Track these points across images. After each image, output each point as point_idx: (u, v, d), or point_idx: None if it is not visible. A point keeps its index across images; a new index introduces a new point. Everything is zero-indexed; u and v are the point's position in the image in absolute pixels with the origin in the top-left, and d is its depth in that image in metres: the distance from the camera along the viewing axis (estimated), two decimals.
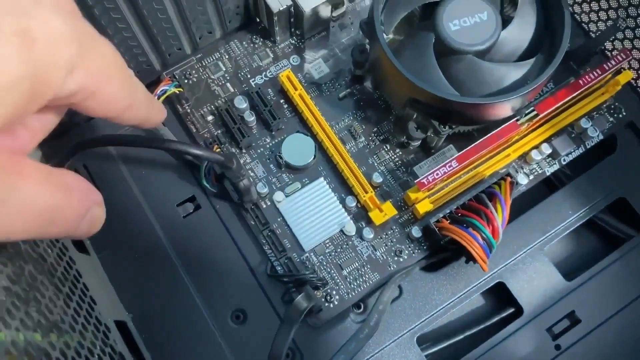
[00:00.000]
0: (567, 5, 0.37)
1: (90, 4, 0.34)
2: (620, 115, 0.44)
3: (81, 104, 0.20)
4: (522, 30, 0.38)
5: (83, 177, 0.24)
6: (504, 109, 0.38)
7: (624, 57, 0.40)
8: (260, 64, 0.45)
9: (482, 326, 0.42)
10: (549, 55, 0.38)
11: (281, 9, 0.41)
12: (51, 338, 0.27)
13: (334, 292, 0.40)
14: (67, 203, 0.21)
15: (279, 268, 0.40)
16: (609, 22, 0.44)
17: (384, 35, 0.40)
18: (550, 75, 0.37)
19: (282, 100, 0.44)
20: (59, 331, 0.27)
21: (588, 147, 0.43)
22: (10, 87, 0.16)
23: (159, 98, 0.41)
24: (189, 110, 0.43)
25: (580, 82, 0.40)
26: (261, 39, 0.45)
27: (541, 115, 0.39)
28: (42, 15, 0.17)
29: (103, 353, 0.31)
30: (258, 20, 0.45)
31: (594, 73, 0.40)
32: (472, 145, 0.38)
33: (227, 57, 0.45)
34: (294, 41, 0.46)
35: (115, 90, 0.22)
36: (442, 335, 0.42)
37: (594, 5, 0.44)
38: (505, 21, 0.39)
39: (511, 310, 0.41)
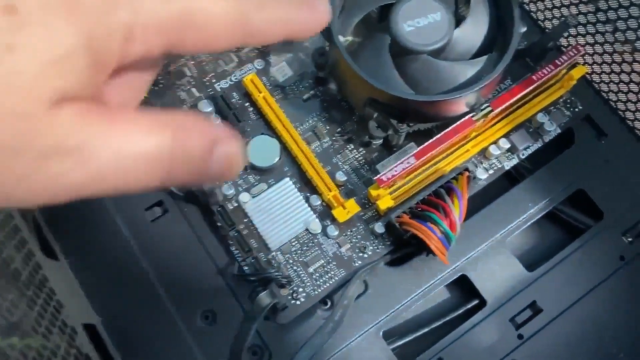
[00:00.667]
0: (516, 3, 0.39)
1: None
2: (577, 109, 0.45)
3: (173, 52, 0.18)
4: (475, 29, 0.40)
5: None
6: (458, 105, 0.39)
7: (576, 52, 0.41)
8: (225, 68, 0.46)
9: (446, 318, 0.42)
10: (502, 53, 0.39)
11: None
12: (12, 340, 0.27)
13: (301, 290, 0.40)
14: (180, 143, 0.18)
15: (246, 268, 0.41)
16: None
17: (342, 37, 0.41)
18: (502, 71, 0.38)
19: (247, 104, 0.45)
20: (20, 333, 0.28)
21: (546, 141, 0.44)
22: (64, 59, 0.15)
23: None
24: None
25: (534, 77, 0.41)
26: None
27: (496, 111, 0.40)
28: None
29: (68, 354, 0.32)
30: None
31: (547, 69, 0.41)
32: (429, 141, 0.39)
33: (192, 62, 0.46)
34: (257, 45, 0.47)
35: (205, 24, 0.18)
36: (408, 328, 0.42)
37: (548, 3, 0.46)
38: (460, 20, 0.40)
39: (475, 302, 0.43)
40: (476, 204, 0.44)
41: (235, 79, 0.45)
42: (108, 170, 0.16)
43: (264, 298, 0.36)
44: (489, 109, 0.40)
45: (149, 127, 0.18)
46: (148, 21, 0.17)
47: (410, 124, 0.40)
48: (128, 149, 0.17)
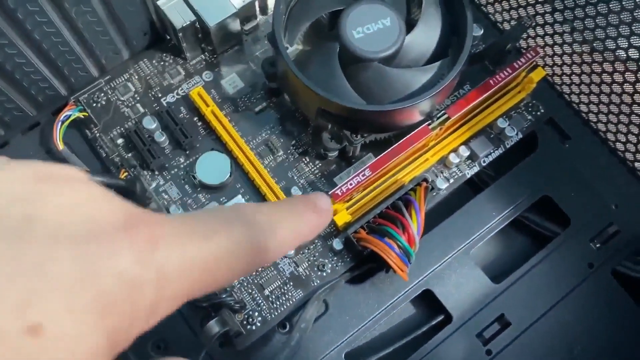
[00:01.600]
0: (469, 7, 0.37)
1: None
2: (539, 113, 0.44)
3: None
4: (427, 34, 0.38)
5: None
6: (411, 114, 0.37)
7: (534, 54, 0.40)
8: (172, 82, 0.44)
9: (411, 336, 0.41)
10: (456, 58, 0.37)
11: (185, 24, 0.40)
12: None
13: (256, 314, 0.38)
14: None
15: None
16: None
17: (290, 46, 0.39)
18: (456, 77, 0.36)
19: (195, 118, 0.43)
20: None
21: (507, 147, 0.43)
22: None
23: (62, 124, 0.40)
24: (97, 135, 0.42)
25: (491, 82, 0.39)
26: (172, 57, 0.44)
27: (453, 118, 0.39)
28: (110, 267, 0.15)
29: None
30: (168, 37, 0.44)
31: (505, 72, 0.40)
32: (384, 153, 0.37)
33: (136, 77, 0.44)
34: (206, 57, 0.44)
35: (228, 275, 0.19)
36: (371, 349, 0.41)
37: (505, 5, 0.44)
38: (413, 26, 0.39)
39: (440, 317, 0.41)
40: (439, 215, 0.42)
41: (183, 92, 0.43)
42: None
43: (213, 326, 0.34)
44: (446, 116, 0.38)
45: None
46: (174, 293, 0.17)
47: (364, 135, 0.39)
48: None
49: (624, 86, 0.39)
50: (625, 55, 0.38)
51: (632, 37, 0.36)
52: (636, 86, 0.38)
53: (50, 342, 0.13)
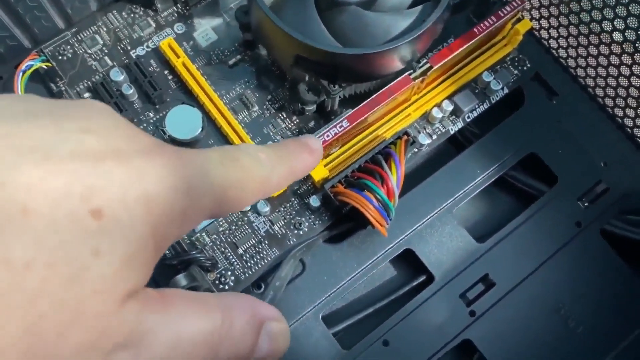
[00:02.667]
0: None
1: None
2: (525, 68, 0.42)
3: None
4: None
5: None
6: (391, 60, 0.35)
7: (520, 3, 0.38)
8: (142, 34, 0.41)
9: (391, 297, 0.39)
10: (438, 3, 0.36)
11: None
12: None
13: (229, 273, 0.37)
14: (228, 324, 0.20)
15: (167, 252, 0.37)
16: None
17: None
18: (437, 22, 0.35)
19: (166, 72, 0.41)
20: None
21: (493, 102, 0.41)
22: (135, 256, 0.17)
23: (23, 74, 0.38)
24: (63, 89, 0.40)
25: (475, 30, 0.38)
26: (142, 8, 0.42)
27: (435, 68, 0.37)
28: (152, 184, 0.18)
29: None
30: None
31: (490, 20, 0.38)
32: (364, 103, 0.36)
33: (105, 29, 0.41)
34: (178, 9, 0.42)
35: (243, 195, 0.23)
36: (350, 310, 0.39)
37: None
38: None
39: (422, 278, 0.39)
40: (421, 173, 0.41)
41: (153, 45, 0.41)
42: (163, 353, 0.18)
43: (180, 280, 0.32)
44: (428, 65, 0.37)
45: (199, 310, 0.20)
46: (201, 205, 0.20)
47: (343, 85, 0.37)
48: (182, 332, 0.18)
49: (614, 35, 0.37)
50: (613, 2, 0.36)
51: None
52: (626, 35, 0.36)
53: (109, 224, 0.16)
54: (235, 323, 0.20)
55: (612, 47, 0.38)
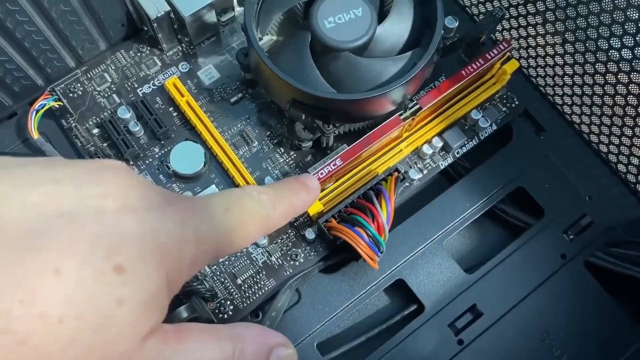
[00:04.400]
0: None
1: None
2: (514, 105, 0.44)
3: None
4: (399, 25, 0.38)
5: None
6: (382, 103, 0.37)
7: (506, 46, 0.40)
8: (148, 72, 0.44)
9: (384, 326, 0.41)
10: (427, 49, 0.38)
11: (159, 15, 0.40)
12: None
13: (228, 303, 0.39)
14: (240, 353, 0.23)
15: None
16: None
17: (262, 36, 0.39)
18: (426, 67, 0.37)
19: (171, 109, 0.43)
20: None
21: (482, 138, 0.43)
22: (154, 299, 0.19)
23: (37, 113, 0.40)
24: (73, 125, 0.42)
25: (463, 72, 0.40)
26: (148, 48, 0.44)
27: (425, 109, 0.39)
28: (163, 225, 0.21)
29: None
30: (145, 28, 0.44)
31: (477, 63, 0.40)
32: (356, 142, 0.38)
33: (113, 68, 0.44)
34: (182, 48, 0.45)
35: (247, 237, 0.26)
36: (344, 338, 0.41)
37: None
38: (386, 16, 0.39)
39: (413, 307, 0.41)
40: (413, 206, 0.42)
41: (159, 83, 0.44)
42: None
43: (181, 312, 0.34)
44: (418, 106, 0.39)
45: (212, 341, 0.22)
46: (208, 249, 0.23)
47: (337, 125, 0.39)
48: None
49: (595, 77, 0.39)
50: (594, 46, 0.38)
51: (601, 27, 0.36)
52: (607, 77, 0.38)
53: (130, 277, 0.18)
54: (246, 351, 0.23)
55: (594, 88, 0.40)
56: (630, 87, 0.37)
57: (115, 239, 0.18)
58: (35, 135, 0.40)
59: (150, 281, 0.19)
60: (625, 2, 0.34)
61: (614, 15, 0.35)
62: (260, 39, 0.39)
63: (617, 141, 0.41)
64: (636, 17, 0.34)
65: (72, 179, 0.19)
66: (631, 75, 0.36)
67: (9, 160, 0.20)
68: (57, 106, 0.41)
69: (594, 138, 0.43)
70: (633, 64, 0.36)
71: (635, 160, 0.41)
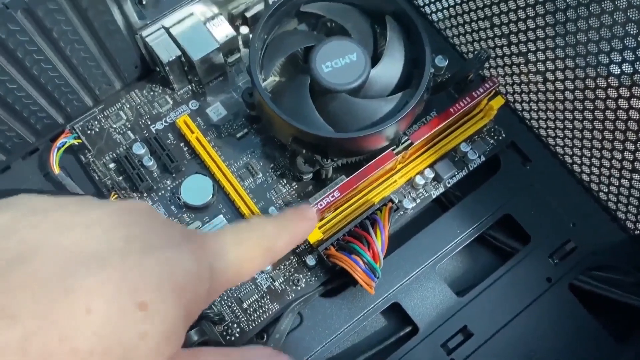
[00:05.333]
0: (427, 44, 0.40)
1: None
2: (501, 137, 0.47)
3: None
4: (391, 67, 0.41)
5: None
6: (376, 140, 0.40)
7: (492, 84, 0.43)
8: (160, 110, 0.47)
9: (381, 346, 0.43)
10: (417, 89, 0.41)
11: (171, 59, 0.44)
12: None
13: (235, 325, 0.41)
14: None
15: None
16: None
17: (266, 78, 0.43)
18: (416, 106, 0.40)
19: (182, 144, 0.46)
20: None
21: (471, 169, 0.46)
22: (173, 332, 0.22)
23: (58, 150, 0.43)
24: (91, 160, 0.45)
25: (452, 110, 0.43)
26: (161, 87, 0.48)
27: (416, 143, 0.42)
28: (180, 264, 0.23)
29: None
30: (157, 69, 0.48)
31: (465, 101, 0.43)
32: (352, 175, 0.41)
33: (128, 106, 0.47)
34: (192, 87, 0.48)
35: (250, 272, 0.28)
36: (344, 358, 0.43)
37: (469, 37, 0.48)
38: (379, 58, 0.42)
39: (408, 329, 0.44)
40: (407, 233, 0.45)
41: (170, 120, 0.47)
42: None
43: (192, 335, 0.37)
44: (409, 141, 0.42)
45: None
46: (221, 282, 0.25)
47: (335, 159, 0.42)
48: None
49: (575, 113, 0.42)
50: (572, 85, 0.41)
51: (577, 70, 0.39)
52: (585, 113, 0.41)
53: (151, 312, 0.20)
54: None
55: (574, 122, 0.43)
56: (605, 123, 0.40)
57: (138, 278, 0.21)
58: (56, 170, 0.44)
59: (170, 316, 0.21)
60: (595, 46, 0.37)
61: (587, 59, 0.38)
62: (264, 80, 0.43)
63: (597, 171, 0.44)
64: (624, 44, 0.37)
65: (100, 222, 0.22)
66: (606, 112, 0.39)
67: (46, 202, 0.22)
68: (77, 143, 0.45)
69: (576, 168, 0.46)
70: (607, 102, 0.39)
71: (614, 189, 0.43)
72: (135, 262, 0.21)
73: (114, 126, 0.47)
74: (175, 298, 0.22)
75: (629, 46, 0.35)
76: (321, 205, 0.40)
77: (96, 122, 0.47)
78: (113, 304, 0.20)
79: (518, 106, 0.48)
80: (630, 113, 0.38)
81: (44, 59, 0.39)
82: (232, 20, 0.48)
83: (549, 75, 0.42)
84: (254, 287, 0.42)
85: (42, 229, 0.21)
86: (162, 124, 0.47)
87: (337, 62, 0.40)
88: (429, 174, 0.45)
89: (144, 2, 0.42)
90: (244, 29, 0.47)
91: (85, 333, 0.19)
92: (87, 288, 0.19)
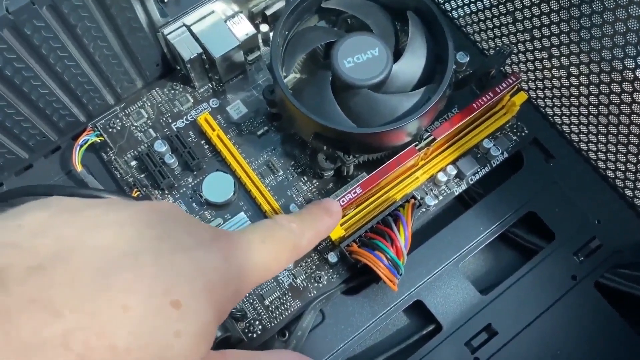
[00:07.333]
0: (450, 38, 0.40)
1: (0, 65, 0.36)
2: (524, 134, 0.47)
3: None
4: (413, 62, 0.41)
5: None
6: (398, 135, 0.40)
7: (514, 79, 0.43)
8: (181, 108, 0.47)
9: (403, 345, 0.43)
10: (439, 84, 0.41)
11: (192, 57, 0.44)
12: None
13: (257, 322, 0.41)
14: None
15: None
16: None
17: (287, 74, 0.42)
18: (438, 102, 0.39)
19: (203, 142, 0.46)
20: None
21: (493, 165, 0.46)
22: (206, 332, 0.22)
23: (80, 148, 0.44)
24: (113, 158, 0.46)
25: (474, 105, 0.42)
26: (181, 85, 0.48)
27: (439, 139, 0.42)
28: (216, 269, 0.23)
29: None
30: (178, 68, 0.48)
31: (487, 96, 0.42)
32: (375, 172, 0.40)
33: (149, 104, 0.47)
34: (213, 85, 0.48)
35: (276, 270, 0.29)
36: (366, 357, 0.43)
37: (490, 34, 0.47)
38: (401, 54, 0.42)
39: (431, 327, 0.43)
40: (430, 230, 0.45)
41: (191, 118, 0.47)
42: None
43: (215, 331, 0.37)
44: (432, 137, 0.41)
45: None
46: (249, 280, 0.26)
47: (357, 155, 0.42)
48: None
49: (600, 108, 0.42)
50: (597, 79, 0.40)
51: (602, 63, 0.39)
52: (610, 108, 0.41)
53: (185, 311, 0.21)
54: None
55: (599, 117, 0.42)
56: (632, 117, 0.39)
57: (171, 277, 0.21)
58: (78, 168, 0.44)
59: (202, 314, 0.21)
60: (622, 38, 0.37)
61: (614, 52, 0.38)
62: (285, 77, 0.42)
63: (623, 167, 0.43)
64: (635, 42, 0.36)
65: (132, 222, 0.22)
66: (633, 107, 0.39)
67: (77, 203, 0.23)
68: (99, 141, 0.45)
69: (601, 164, 0.45)
70: (634, 96, 0.38)
71: None
72: (167, 261, 0.21)
73: (136, 124, 0.47)
74: (207, 297, 0.22)
75: None
76: (343, 201, 0.40)
77: (118, 120, 0.47)
78: (148, 301, 0.20)
79: (541, 102, 0.47)
80: None
81: (67, 56, 0.40)
82: (252, 18, 0.48)
83: (573, 70, 0.42)
84: (275, 284, 0.42)
85: (77, 227, 0.21)
86: (183, 122, 0.47)
87: (359, 57, 0.40)
88: (452, 170, 0.44)
89: (165, 0, 0.43)
90: (264, 27, 0.47)
91: (123, 330, 0.19)
92: (122, 286, 0.20)
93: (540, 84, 0.46)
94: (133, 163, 0.45)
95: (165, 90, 0.48)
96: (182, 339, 0.20)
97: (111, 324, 0.19)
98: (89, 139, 0.44)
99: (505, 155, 0.46)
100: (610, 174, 0.45)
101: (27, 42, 0.36)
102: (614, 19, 0.36)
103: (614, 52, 0.38)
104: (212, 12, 0.45)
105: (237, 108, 0.48)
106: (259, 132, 0.47)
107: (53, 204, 0.22)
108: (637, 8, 0.34)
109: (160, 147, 0.44)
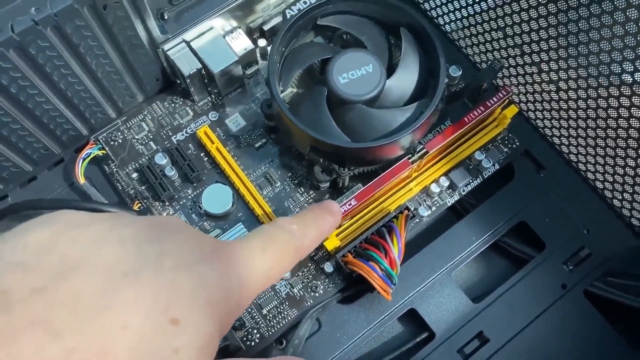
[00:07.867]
0: (442, 54, 0.41)
1: (5, 83, 0.38)
2: (515, 146, 0.48)
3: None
4: (406, 78, 0.42)
5: None
6: (392, 149, 0.41)
7: (505, 93, 0.44)
8: (181, 121, 0.49)
9: (397, 352, 0.44)
10: (431, 99, 0.42)
11: (192, 72, 0.45)
12: None
13: (255, 331, 0.42)
14: None
15: None
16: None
17: (284, 89, 0.44)
18: (430, 116, 0.41)
19: (202, 154, 0.48)
20: None
21: (485, 177, 0.47)
22: (207, 345, 0.22)
23: (83, 161, 0.45)
24: (115, 170, 0.47)
25: (466, 119, 0.43)
26: (181, 99, 0.49)
27: (432, 152, 0.43)
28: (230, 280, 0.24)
29: None
30: (178, 82, 0.49)
31: (479, 110, 0.44)
32: (369, 184, 0.42)
33: (150, 118, 0.49)
34: (212, 99, 0.49)
35: (279, 274, 0.29)
36: None
37: (482, 48, 0.49)
38: (394, 69, 0.43)
39: (424, 334, 0.44)
40: (423, 240, 0.46)
41: (191, 131, 0.48)
42: None
43: None
44: (424, 150, 0.43)
45: None
46: (250, 291, 0.26)
47: (351, 168, 0.43)
48: None
49: (587, 121, 0.43)
50: (585, 94, 0.42)
51: (589, 79, 0.40)
52: (598, 122, 0.42)
53: (184, 327, 0.21)
54: None
55: (587, 130, 0.43)
56: (618, 131, 0.41)
57: (171, 294, 0.21)
58: (81, 180, 0.45)
59: (202, 329, 0.21)
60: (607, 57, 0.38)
61: (600, 69, 0.39)
62: (282, 91, 0.44)
63: (611, 178, 0.45)
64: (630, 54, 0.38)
65: (134, 238, 0.22)
66: (619, 121, 0.40)
67: (83, 217, 0.23)
68: (101, 154, 0.46)
69: (590, 175, 0.46)
70: (620, 111, 0.40)
71: (628, 196, 0.44)
72: (167, 278, 0.22)
73: (137, 137, 0.48)
74: (207, 312, 0.22)
75: None
76: None
77: (119, 134, 0.48)
78: (147, 320, 0.20)
79: (532, 115, 0.48)
80: None
81: (71, 73, 0.41)
82: (250, 33, 0.49)
83: (562, 85, 0.43)
84: (273, 293, 0.43)
85: (82, 244, 0.22)
86: (182, 134, 0.48)
87: (354, 73, 0.41)
88: (444, 182, 0.45)
89: (165, 17, 0.44)
90: (262, 42, 0.48)
91: (122, 349, 0.19)
92: (122, 304, 0.20)
93: (531, 97, 0.47)
94: (134, 175, 0.47)
95: (165, 104, 0.49)
96: (181, 355, 0.20)
97: (110, 344, 0.19)
98: (91, 152, 0.45)
99: (497, 166, 0.47)
100: (599, 184, 0.46)
101: (32, 61, 0.38)
102: (600, 37, 0.38)
103: (600, 68, 0.39)
104: (211, 28, 0.46)
105: (235, 121, 0.49)
106: (257, 145, 0.48)
107: (58, 220, 0.23)
108: (620, 28, 0.36)
109: (161, 159, 0.46)
